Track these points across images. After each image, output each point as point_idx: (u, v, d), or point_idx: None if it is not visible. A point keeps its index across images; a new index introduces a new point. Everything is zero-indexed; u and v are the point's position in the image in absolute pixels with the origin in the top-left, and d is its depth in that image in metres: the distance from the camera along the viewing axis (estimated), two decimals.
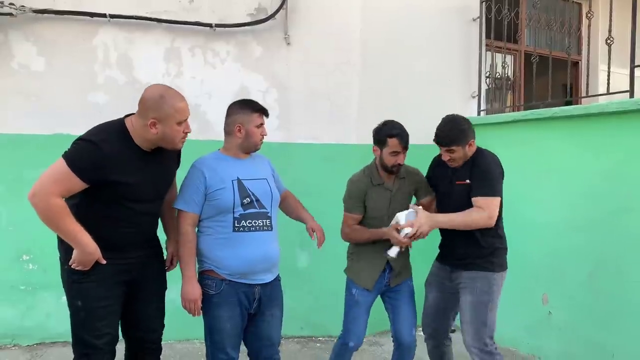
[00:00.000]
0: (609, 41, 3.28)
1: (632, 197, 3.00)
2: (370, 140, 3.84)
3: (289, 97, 3.91)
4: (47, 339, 3.66)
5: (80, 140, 2.13)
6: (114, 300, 2.22)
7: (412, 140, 4.14)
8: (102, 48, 3.66)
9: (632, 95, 3.14)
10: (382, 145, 2.72)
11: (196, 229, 2.41)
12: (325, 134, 3.94)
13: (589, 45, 3.61)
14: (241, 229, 2.32)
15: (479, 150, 2.71)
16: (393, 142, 2.67)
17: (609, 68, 3.30)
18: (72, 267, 2.11)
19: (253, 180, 2.41)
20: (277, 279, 2.53)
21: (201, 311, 2.38)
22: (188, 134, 2.27)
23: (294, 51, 3.91)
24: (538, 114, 3.60)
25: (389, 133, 2.69)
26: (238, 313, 2.37)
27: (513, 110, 4.51)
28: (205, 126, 3.77)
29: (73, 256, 2.09)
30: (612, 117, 3.11)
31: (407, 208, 2.67)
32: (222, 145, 3.24)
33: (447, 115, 2.77)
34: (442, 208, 2.76)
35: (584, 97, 3.95)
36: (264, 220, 2.38)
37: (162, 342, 2.60)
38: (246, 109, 2.42)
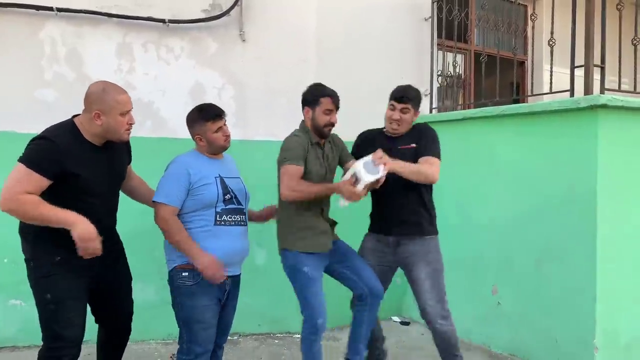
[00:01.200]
0: (551, 42, 3.45)
1: (574, 189, 3.17)
2: None
3: (245, 94, 3.90)
4: None
5: (34, 140, 2.22)
6: (81, 293, 2.33)
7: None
8: (49, 42, 3.54)
9: (572, 95, 3.32)
10: (314, 104, 2.72)
11: None
12: (282, 131, 3.91)
13: (533, 45, 3.78)
14: (222, 222, 2.45)
15: (421, 123, 2.88)
16: (326, 101, 2.70)
17: (551, 68, 3.47)
18: (83, 257, 2.15)
19: (230, 178, 2.56)
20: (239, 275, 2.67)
21: (177, 306, 2.45)
22: (132, 126, 2.40)
23: (250, 48, 3.90)
24: (487, 112, 3.74)
25: (322, 92, 2.73)
26: (215, 303, 2.47)
27: (464, 108, 4.66)
28: (160, 123, 3.71)
29: (77, 244, 2.11)
30: (554, 115, 3.27)
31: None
32: (176, 142, 3.27)
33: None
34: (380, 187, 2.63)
35: (529, 95, 4.12)
36: (241, 216, 2.55)
37: None
38: (199, 120, 2.51)
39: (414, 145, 2.73)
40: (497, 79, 3.94)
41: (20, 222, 2.37)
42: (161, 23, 3.68)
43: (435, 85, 4.63)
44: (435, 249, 2.81)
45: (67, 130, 2.27)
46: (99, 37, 3.62)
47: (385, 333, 4.03)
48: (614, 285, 3.14)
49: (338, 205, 2.59)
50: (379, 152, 2.49)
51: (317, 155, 2.77)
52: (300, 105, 4.06)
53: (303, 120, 2.83)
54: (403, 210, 2.78)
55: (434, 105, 4.56)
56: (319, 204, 2.74)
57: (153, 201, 2.42)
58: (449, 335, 2.79)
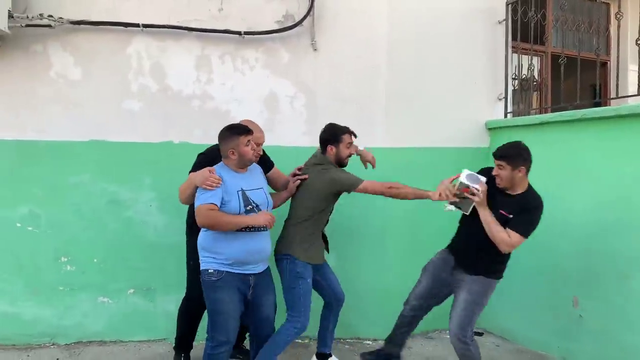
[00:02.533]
0: (639, 41, 3.25)
1: None
2: (398, 143, 3.88)
3: (316, 102, 3.97)
4: (84, 338, 3.78)
5: None
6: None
7: (439, 143, 4.21)
8: (135, 57, 3.78)
9: None
10: (338, 142, 3.17)
11: (202, 229, 2.77)
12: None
13: (618, 45, 3.57)
14: (244, 230, 2.74)
15: (532, 192, 2.93)
16: (347, 137, 3.18)
17: (639, 68, 3.27)
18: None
19: (253, 190, 2.84)
20: (268, 270, 2.96)
21: (205, 299, 2.78)
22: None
23: (321, 57, 3.97)
24: (566, 116, 3.58)
25: (342, 130, 3.19)
26: (238, 299, 2.76)
27: (540, 112, 4.48)
28: None
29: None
30: None
31: None
32: None
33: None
34: (470, 216, 2.98)
35: (612, 98, 3.90)
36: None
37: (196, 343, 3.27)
38: (233, 135, 2.80)
39: (511, 216, 2.84)
40: (577, 81, 3.76)
41: None
42: (237, 35, 3.83)
43: (510, 89, 4.48)
44: (483, 286, 2.95)
45: None
46: (179, 50, 3.82)
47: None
48: None
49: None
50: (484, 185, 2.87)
51: None
52: (370, 112, 4.10)
53: (325, 157, 3.23)
54: (470, 249, 2.99)
55: (509, 110, 4.41)
56: (326, 223, 3.27)
57: (195, 207, 2.70)
58: (465, 357, 3.00)
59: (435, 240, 3.44)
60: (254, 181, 2.90)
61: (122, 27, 3.72)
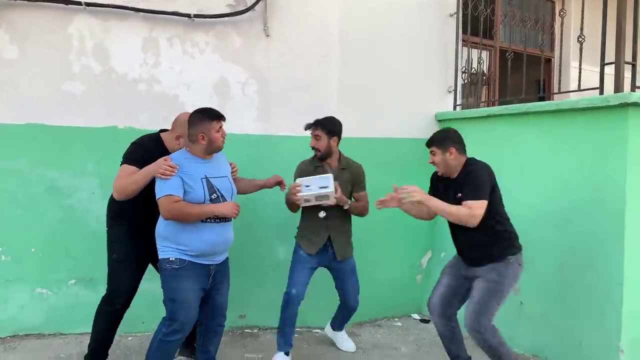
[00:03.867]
0: (580, 39, 3.38)
1: (602, 190, 3.11)
2: (349, 133, 3.89)
3: (268, 89, 3.91)
4: (20, 331, 3.60)
5: None
6: None
7: (389, 134, 4.25)
8: (77, 36, 3.59)
9: (601, 92, 3.25)
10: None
11: (162, 219, 2.66)
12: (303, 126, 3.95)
13: (561, 42, 3.70)
14: (208, 220, 2.66)
15: (472, 162, 2.93)
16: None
17: (580, 65, 3.41)
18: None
19: (217, 177, 2.76)
20: (227, 259, 2.92)
21: (164, 286, 2.68)
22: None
23: (274, 43, 3.91)
24: (512, 109, 3.69)
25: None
26: (198, 287, 2.70)
27: (488, 106, 4.60)
28: None
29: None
30: (583, 113, 3.21)
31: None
32: None
33: None
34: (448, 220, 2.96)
35: (555, 93, 4.06)
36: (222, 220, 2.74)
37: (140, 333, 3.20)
38: (205, 119, 2.69)
39: (459, 195, 2.83)
40: (523, 76, 3.88)
41: None
42: (186, 18, 3.71)
43: (460, 82, 4.57)
44: (499, 274, 2.85)
45: None
46: (125, 31, 3.66)
47: (405, 330, 4.05)
48: None
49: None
50: (409, 187, 2.83)
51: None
52: (322, 101, 4.10)
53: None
54: (467, 246, 2.98)
55: (457, 102, 4.50)
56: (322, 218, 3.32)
57: (157, 199, 2.60)
58: (485, 347, 2.86)
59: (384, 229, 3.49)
60: (219, 169, 2.81)
61: (62, 5, 3.51)
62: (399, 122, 4.31)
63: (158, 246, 2.71)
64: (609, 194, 3.07)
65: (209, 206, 2.63)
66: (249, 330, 3.91)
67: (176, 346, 2.77)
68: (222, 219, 2.71)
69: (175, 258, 2.63)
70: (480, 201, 2.75)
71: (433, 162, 2.96)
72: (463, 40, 4.58)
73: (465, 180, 2.82)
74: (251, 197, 3.83)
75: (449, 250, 4.37)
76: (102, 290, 3.65)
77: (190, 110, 3.55)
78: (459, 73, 4.54)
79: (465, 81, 4.69)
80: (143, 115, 3.69)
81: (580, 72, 3.43)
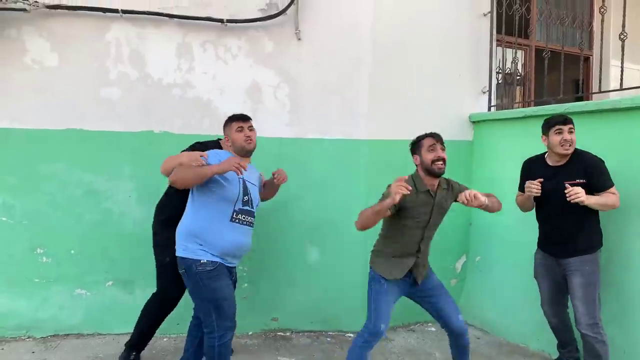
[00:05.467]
0: (622, 36, 3.26)
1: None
2: (381, 135, 3.85)
3: (300, 92, 3.91)
4: (60, 331, 3.70)
5: None
6: None
7: None
8: (114, 43, 3.68)
9: None
10: (418, 148, 2.82)
11: (189, 211, 2.72)
12: (335, 129, 3.95)
13: (602, 40, 3.59)
14: (236, 220, 2.71)
15: (582, 153, 3.00)
16: (426, 141, 2.79)
17: (622, 64, 3.29)
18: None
19: (250, 184, 2.84)
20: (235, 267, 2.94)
21: (202, 289, 2.63)
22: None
23: (305, 46, 3.91)
24: (550, 110, 3.59)
25: (420, 137, 2.85)
26: (231, 284, 2.76)
27: (523, 106, 4.49)
28: (218, 121, 3.74)
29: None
30: (625, 113, 3.10)
31: (442, 219, 2.91)
32: None
33: None
34: (548, 205, 3.05)
35: (594, 92, 3.92)
36: (251, 218, 2.81)
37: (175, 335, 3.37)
38: (227, 122, 2.88)
39: (582, 181, 2.87)
40: (561, 76, 3.77)
41: None
42: (219, 23, 3.75)
43: (494, 82, 4.48)
44: (591, 264, 2.96)
45: None
46: (160, 37, 3.73)
47: (439, 335, 3.97)
48: None
49: None
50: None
51: (423, 202, 2.78)
52: (353, 104, 4.08)
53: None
54: (564, 234, 3.02)
55: (492, 103, 4.41)
56: (412, 242, 2.86)
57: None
58: (597, 343, 2.91)
59: None
60: (252, 176, 2.89)
61: (100, 13, 3.61)
62: (432, 123, 4.20)
63: (182, 244, 2.67)
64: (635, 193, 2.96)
65: (210, 167, 2.56)
66: (282, 334, 3.91)
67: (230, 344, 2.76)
68: (247, 223, 2.76)
69: (206, 260, 2.63)
70: (614, 188, 2.88)
71: (569, 141, 2.93)
72: (497, 40, 4.49)
73: (589, 171, 2.88)
74: (281, 201, 3.86)
75: (484, 254, 4.31)
76: (138, 291, 3.76)
77: (225, 115, 3.62)
78: (494, 73, 4.45)
79: (500, 81, 4.59)
80: (177, 119, 3.75)
81: (622, 71, 3.31)
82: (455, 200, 2.86)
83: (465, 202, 2.61)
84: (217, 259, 2.66)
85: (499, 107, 4.48)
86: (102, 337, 3.72)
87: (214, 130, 3.77)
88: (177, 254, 2.69)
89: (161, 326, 3.32)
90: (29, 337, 3.66)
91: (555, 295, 3.21)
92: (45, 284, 3.68)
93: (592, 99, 3.99)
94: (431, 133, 2.82)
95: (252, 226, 2.81)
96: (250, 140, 2.82)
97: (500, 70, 4.58)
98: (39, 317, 3.66)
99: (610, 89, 3.82)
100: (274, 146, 3.81)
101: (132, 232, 3.74)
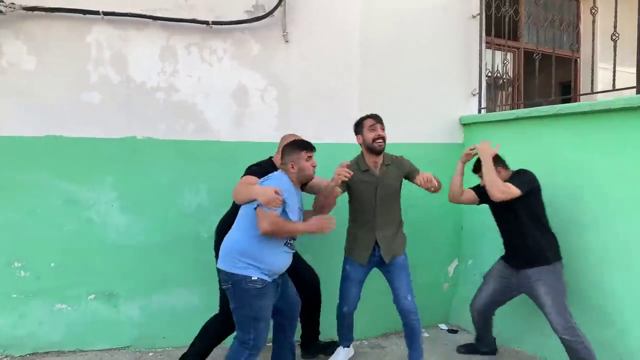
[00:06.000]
0: (614, 37, 3.24)
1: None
2: None
3: (288, 96, 3.81)
4: (39, 349, 3.51)
5: None
6: None
7: (413, 139, 4.15)
8: (95, 46, 3.53)
9: (639, 92, 3.10)
10: (360, 129, 3.13)
11: (245, 229, 2.75)
12: (325, 134, 3.86)
13: (593, 41, 3.57)
14: (288, 246, 2.82)
15: (522, 170, 3.28)
16: (367, 121, 3.09)
17: (614, 65, 3.27)
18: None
19: (301, 210, 2.93)
20: None
21: (245, 306, 2.70)
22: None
23: (293, 49, 3.82)
24: (542, 111, 3.55)
25: (362, 117, 3.15)
26: (271, 306, 2.83)
27: (512, 108, 4.46)
28: (203, 126, 3.67)
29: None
30: (619, 113, 3.06)
31: (394, 193, 3.18)
32: (219, 145, 3.64)
33: None
34: (498, 219, 3.35)
35: (583, 94, 3.90)
36: (294, 242, 2.92)
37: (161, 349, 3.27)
38: (295, 149, 2.86)
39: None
40: (552, 77, 3.74)
41: None
42: (204, 25, 3.64)
43: (484, 84, 4.44)
44: (553, 274, 3.09)
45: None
46: (143, 40, 3.60)
47: (432, 341, 3.90)
48: None
49: None
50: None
51: (366, 182, 3.13)
52: (343, 107, 4.00)
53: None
54: (517, 243, 3.20)
55: (482, 105, 4.37)
56: (373, 225, 3.20)
57: (258, 209, 2.67)
58: (578, 346, 2.97)
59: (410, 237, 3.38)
60: (301, 200, 2.95)
61: (80, 14, 3.46)
62: (422, 126, 4.19)
63: (233, 260, 2.69)
64: None
65: (300, 225, 2.77)
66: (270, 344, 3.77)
67: None
68: (293, 247, 2.89)
69: (257, 278, 2.67)
70: (516, 189, 3.02)
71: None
72: (487, 42, 4.45)
73: (515, 176, 3.16)
74: None
75: (476, 259, 4.26)
76: (122, 305, 3.61)
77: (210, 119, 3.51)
78: (483, 75, 4.41)
79: (490, 84, 4.55)
80: (161, 124, 3.62)
81: (614, 71, 3.29)
82: (409, 179, 3.17)
83: (420, 184, 2.95)
84: (267, 278, 2.71)
85: (489, 109, 4.44)
86: (84, 354, 3.55)
87: (200, 134, 3.66)
88: (226, 268, 2.71)
89: (148, 341, 3.19)
90: (6, 356, 3.46)
91: (492, 302, 3.42)
92: (23, 299, 3.49)
93: (579, 101, 3.95)
94: (372, 114, 3.10)
95: (294, 250, 2.95)
96: (314, 169, 2.91)
97: (490, 73, 4.54)
98: (17, 335, 3.47)
99: (599, 90, 3.79)
100: (261, 151, 3.69)
101: (115, 243, 3.58)
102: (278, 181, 2.75)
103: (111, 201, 3.58)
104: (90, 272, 3.57)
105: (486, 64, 4.49)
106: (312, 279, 3.48)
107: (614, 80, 3.27)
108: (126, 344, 3.61)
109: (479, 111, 4.36)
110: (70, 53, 3.49)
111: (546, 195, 3.53)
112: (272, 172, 2.90)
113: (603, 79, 3.90)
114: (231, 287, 2.69)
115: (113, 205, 3.59)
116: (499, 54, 4.57)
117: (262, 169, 3.04)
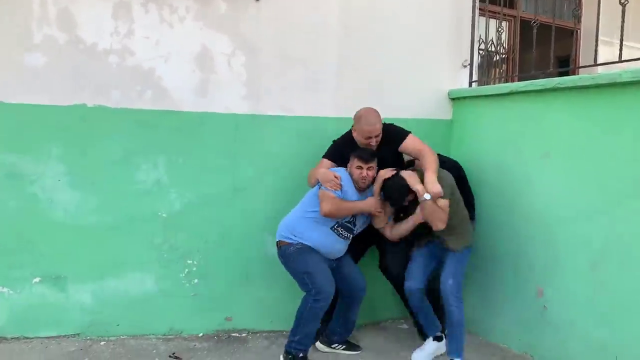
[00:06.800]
0: (623, 1, 2.86)
1: None
2: (351, 113, 3.46)
3: (258, 62, 3.42)
4: None
5: None
6: None
7: (395, 113, 3.79)
8: (38, 2, 3.12)
9: None
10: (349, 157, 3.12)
11: (299, 213, 3.09)
12: (298, 105, 3.50)
13: (599, 8, 3.19)
14: (335, 231, 3.04)
15: None
16: (354, 160, 3.03)
17: (622, 32, 2.91)
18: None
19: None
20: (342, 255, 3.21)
21: (295, 263, 3.03)
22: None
23: (264, 9, 3.41)
24: (539, 85, 3.19)
25: (353, 153, 3.08)
26: (323, 260, 3.05)
27: (507, 81, 4.09)
28: (161, 94, 3.28)
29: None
30: (626, 88, 2.71)
31: None
32: (180, 115, 3.36)
33: None
34: None
35: (581, 67, 3.52)
36: (349, 234, 3.11)
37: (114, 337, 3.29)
38: (351, 155, 3.06)
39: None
40: (551, 48, 3.38)
41: None
42: None
43: (476, 55, 4.06)
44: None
45: None
46: None
47: (412, 334, 3.59)
48: None
49: None
50: None
51: None
52: (319, 76, 3.62)
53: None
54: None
55: (474, 78, 4.00)
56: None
57: (321, 190, 2.99)
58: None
59: None
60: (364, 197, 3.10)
61: None
62: (407, 100, 3.83)
63: (283, 235, 3.05)
64: None
65: (358, 203, 3.02)
66: (237, 335, 3.49)
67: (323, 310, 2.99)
68: (344, 237, 3.08)
69: (297, 242, 2.99)
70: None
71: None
72: (480, 9, 4.05)
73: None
74: (236, 187, 3.42)
75: None
76: (70, 289, 3.29)
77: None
78: (476, 45, 4.03)
79: (483, 55, 4.16)
80: (115, 91, 3.24)
81: (622, 40, 2.92)
82: None
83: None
84: (309, 244, 2.98)
85: (481, 82, 4.08)
86: (28, 341, 3.23)
87: (158, 103, 3.29)
88: (277, 239, 3.10)
89: (100, 328, 3.08)
90: None
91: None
92: None
93: (578, 74, 3.55)
94: (360, 154, 3.02)
95: (347, 240, 3.12)
96: (365, 181, 3.01)
97: (483, 42, 4.15)
98: None
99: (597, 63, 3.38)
100: (228, 124, 3.35)
101: (63, 222, 3.23)
102: (338, 171, 3.04)
103: (58, 175, 3.22)
104: (35, 254, 3.23)
105: (480, 34, 4.11)
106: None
107: (620, 50, 2.90)
108: (75, 331, 3.30)
109: (470, 84, 3.99)
110: (10, 10, 3.07)
111: (539, 180, 3.23)
112: (349, 144, 3.15)
113: (604, 55, 3.52)
114: (280, 257, 3.07)
115: (60, 180, 3.23)
116: (493, 23, 4.18)
117: (341, 145, 3.22)
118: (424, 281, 3.18)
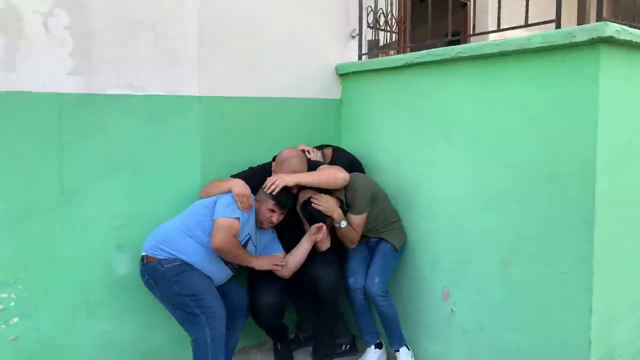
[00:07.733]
0: None
1: (562, 161, 2.27)
2: (219, 92, 2.79)
3: (89, 25, 2.57)
4: None
5: None
6: None
7: (274, 92, 3.18)
8: None
9: (558, 26, 2.38)
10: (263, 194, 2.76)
11: (183, 230, 2.56)
12: (147, 81, 2.73)
13: None
14: (222, 258, 2.61)
15: None
16: (269, 202, 2.69)
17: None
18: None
19: (252, 245, 2.72)
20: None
21: (175, 285, 2.48)
22: None
23: None
24: (437, 55, 2.74)
25: (272, 195, 2.68)
26: (206, 276, 2.58)
27: (398, 52, 3.64)
28: None
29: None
30: (535, 55, 2.33)
31: None
32: None
33: None
34: None
35: (473, 35, 3.10)
36: (237, 266, 2.72)
37: None
38: (269, 195, 2.66)
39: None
40: (449, 14, 2.97)
41: None
42: None
43: (365, 25, 3.55)
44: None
45: None
46: None
47: None
48: (616, 290, 2.33)
49: None
50: None
51: None
52: (174, 45, 2.93)
53: None
54: None
55: (364, 51, 3.50)
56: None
57: (218, 219, 2.52)
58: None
59: None
60: (261, 238, 2.79)
61: None
62: (288, 77, 3.23)
63: (154, 248, 2.53)
64: (571, 166, 2.24)
65: (251, 257, 2.66)
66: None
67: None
68: (231, 266, 2.70)
69: (174, 257, 2.51)
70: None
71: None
72: None
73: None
74: (73, 189, 2.62)
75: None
76: None
77: None
78: (364, 13, 3.51)
79: (372, 25, 3.65)
80: None
81: (527, 4, 2.55)
82: None
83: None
84: (190, 262, 2.53)
85: (372, 55, 3.58)
86: None
87: None
88: (143, 253, 2.58)
89: None
90: None
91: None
92: None
93: (469, 42, 3.14)
94: (280, 200, 2.68)
95: (235, 269, 2.74)
96: (271, 225, 2.72)
97: (372, 11, 3.64)
98: None
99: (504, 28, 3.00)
100: (49, 107, 2.48)
101: None
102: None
103: None
104: None
105: (369, 5, 3.60)
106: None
107: (527, 10, 2.52)
108: None
109: (359, 57, 3.48)
110: None
111: (440, 164, 2.81)
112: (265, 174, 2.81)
113: (494, 24, 3.19)
114: (147, 277, 2.54)
115: None
116: None
117: (263, 170, 2.89)
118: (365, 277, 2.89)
